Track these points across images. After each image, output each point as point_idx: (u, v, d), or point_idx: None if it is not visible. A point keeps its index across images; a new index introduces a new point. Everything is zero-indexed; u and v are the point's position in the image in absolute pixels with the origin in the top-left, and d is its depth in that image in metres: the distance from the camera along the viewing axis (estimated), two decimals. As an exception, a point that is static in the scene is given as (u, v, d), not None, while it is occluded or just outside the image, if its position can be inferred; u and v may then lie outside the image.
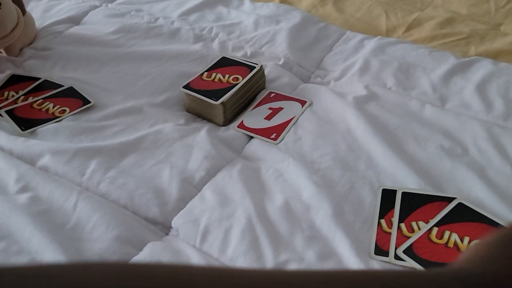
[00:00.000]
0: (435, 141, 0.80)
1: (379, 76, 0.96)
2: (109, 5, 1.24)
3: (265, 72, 0.96)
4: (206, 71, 0.93)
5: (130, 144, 0.80)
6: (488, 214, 0.67)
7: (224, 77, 0.91)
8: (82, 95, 0.91)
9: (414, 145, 0.80)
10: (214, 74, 0.92)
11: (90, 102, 0.89)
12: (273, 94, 0.93)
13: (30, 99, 0.91)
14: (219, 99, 0.85)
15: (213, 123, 0.88)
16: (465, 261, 0.29)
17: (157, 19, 1.17)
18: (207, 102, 0.86)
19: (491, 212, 0.68)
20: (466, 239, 0.64)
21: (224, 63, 0.95)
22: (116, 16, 1.18)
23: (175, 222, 0.69)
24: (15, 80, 0.97)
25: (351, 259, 0.63)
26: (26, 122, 0.86)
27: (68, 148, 0.78)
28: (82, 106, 0.89)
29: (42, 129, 0.84)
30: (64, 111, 0.88)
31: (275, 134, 0.84)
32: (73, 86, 0.94)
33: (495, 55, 1.03)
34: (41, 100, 0.91)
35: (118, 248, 0.64)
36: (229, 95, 0.86)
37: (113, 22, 1.15)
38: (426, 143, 0.80)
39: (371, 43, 1.05)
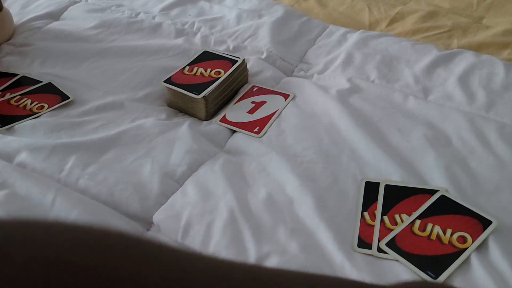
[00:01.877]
0: (418, 132, 0.80)
1: (362, 69, 0.95)
2: (89, 0, 1.22)
3: (248, 66, 0.95)
4: (187, 65, 0.92)
5: (110, 140, 0.79)
6: (471, 206, 0.67)
7: (206, 71, 0.90)
8: (61, 91, 0.89)
9: (397, 137, 0.80)
10: (196, 68, 0.91)
11: (69, 97, 0.88)
12: (256, 88, 0.92)
13: (8, 96, 0.89)
14: (201, 93, 0.84)
15: (195, 117, 0.87)
16: None
17: (138, 14, 1.16)
18: (189, 96, 0.85)
19: (473, 203, 0.68)
20: (449, 231, 0.64)
21: (206, 57, 0.94)
22: (96, 11, 1.16)
23: (156, 217, 0.68)
24: (-8, 77, 0.95)
25: (334, 252, 0.62)
26: (3, 119, 0.84)
27: (46, 144, 0.76)
28: (60, 102, 0.87)
29: (20, 125, 0.82)
30: (42, 107, 0.86)
31: (258, 128, 0.83)
32: (52, 82, 0.92)
33: (477, 48, 1.03)
34: (18, 96, 0.89)
35: (97, 244, 0.62)
36: (211, 89, 0.85)
37: (93, 17, 1.13)
38: (410, 135, 0.80)
39: (354, 37, 1.05)
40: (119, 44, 1.04)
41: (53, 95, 0.89)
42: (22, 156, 0.75)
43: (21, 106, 0.87)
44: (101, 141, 0.78)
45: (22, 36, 1.07)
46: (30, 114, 0.85)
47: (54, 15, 1.16)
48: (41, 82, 0.92)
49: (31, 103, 0.87)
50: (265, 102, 0.89)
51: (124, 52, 1.01)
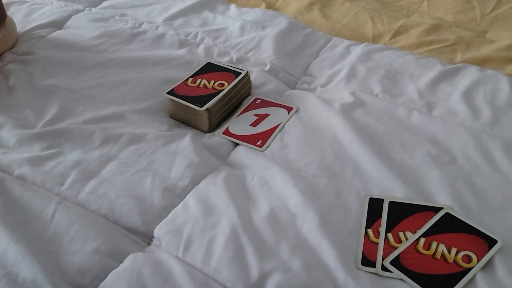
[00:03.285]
0: (422, 148, 0.79)
1: (366, 83, 0.95)
2: (93, 9, 1.22)
3: (251, 78, 0.95)
4: (191, 76, 0.92)
5: (110, 152, 0.78)
6: (476, 224, 0.66)
7: (209, 83, 0.89)
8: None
9: (401, 153, 0.79)
10: (199, 80, 0.91)
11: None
12: (259, 101, 0.92)
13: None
14: (204, 105, 0.84)
15: (198, 129, 0.86)
16: None
17: (141, 24, 1.15)
18: (192, 108, 0.84)
19: (478, 221, 0.67)
20: (454, 250, 0.63)
21: (209, 69, 0.94)
22: (99, 21, 1.16)
23: (157, 231, 0.67)
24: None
25: (337, 270, 0.61)
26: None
27: (47, 157, 0.76)
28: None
29: (22, 135, 0.81)
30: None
31: (261, 141, 0.82)
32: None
33: (481, 62, 1.03)
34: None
35: (97, 261, 0.62)
36: (214, 101, 0.85)
37: (96, 27, 1.12)
38: (413, 151, 0.79)
39: (357, 50, 1.04)
40: (121, 54, 1.04)
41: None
42: (23, 169, 0.74)
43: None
44: (102, 154, 0.77)
45: (25, 45, 1.07)
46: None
47: (58, 24, 1.16)
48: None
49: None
50: (268, 115, 0.88)
51: (126, 62, 1.01)
